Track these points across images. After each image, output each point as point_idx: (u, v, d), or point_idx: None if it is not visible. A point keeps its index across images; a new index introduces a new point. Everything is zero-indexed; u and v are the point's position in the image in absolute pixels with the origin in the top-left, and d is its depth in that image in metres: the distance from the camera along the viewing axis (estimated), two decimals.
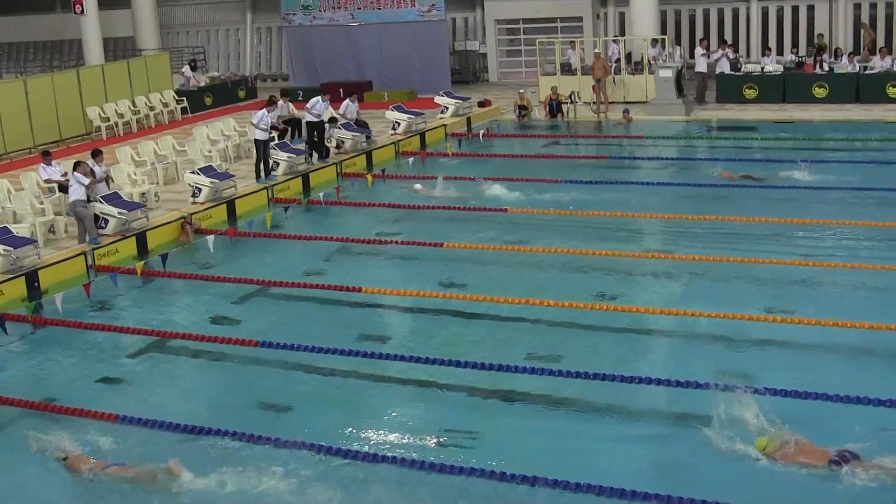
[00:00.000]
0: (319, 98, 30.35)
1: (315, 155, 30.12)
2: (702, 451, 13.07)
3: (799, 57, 38.04)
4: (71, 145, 35.03)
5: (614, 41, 39.68)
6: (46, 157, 25.41)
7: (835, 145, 30.41)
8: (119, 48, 51.26)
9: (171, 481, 13.04)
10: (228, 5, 51.49)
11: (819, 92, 35.44)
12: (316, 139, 30.15)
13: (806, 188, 25.05)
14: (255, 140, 28.11)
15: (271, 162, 28.34)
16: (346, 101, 32.51)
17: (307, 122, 30.45)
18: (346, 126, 31.55)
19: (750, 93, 36.33)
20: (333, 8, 43.75)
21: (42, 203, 24.71)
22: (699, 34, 42.63)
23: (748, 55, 41.65)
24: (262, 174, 27.91)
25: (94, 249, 22.46)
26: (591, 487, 12.09)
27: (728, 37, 41.81)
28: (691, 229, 22.99)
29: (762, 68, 36.94)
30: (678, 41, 39.79)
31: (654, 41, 38.12)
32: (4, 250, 21.04)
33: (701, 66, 37.06)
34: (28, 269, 21.32)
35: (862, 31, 39.70)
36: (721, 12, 43.08)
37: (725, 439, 13.05)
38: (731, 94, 36.65)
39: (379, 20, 42.91)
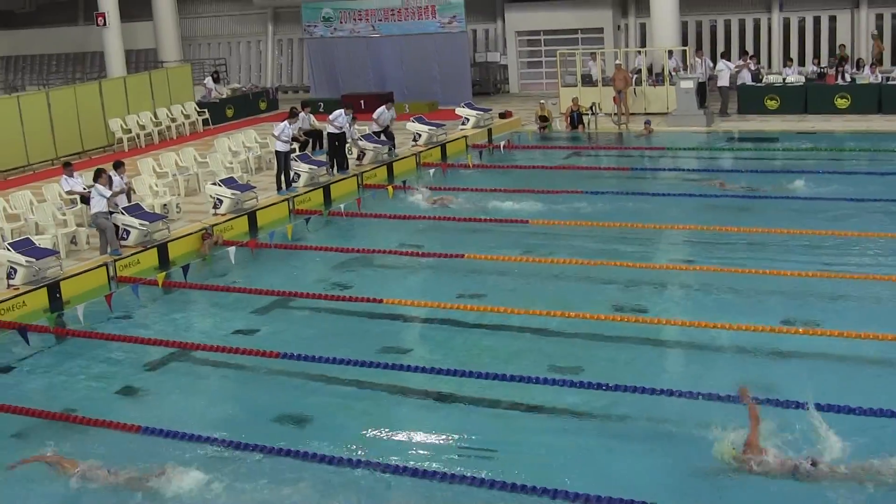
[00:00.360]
0: (342, 110, 30.39)
1: (336, 166, 30.15)
2: (723, 465, 12.98)
3: (821, 68, 37.90)
4: (93, 157, 35.15)
5: (638, 53, 39.50)
6: (68, 168, 25.49)
7: (857, 156, 30.26)
8: (141, 60, 51.46)
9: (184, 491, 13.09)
10: (250, 17, 51.64)
11: (841, 103, 35.32)
12: (337, 151, 30.18)
13: (827, 199, 24.90)
14: (276, 152, 28.16)
15: (292, 173, 28.39)
16: (382, 108, 32.53)
17: (329, 134, 30.49)
18: (368, 137, 31.58)
19: (772, 104, 36.24)
20: (354, 20, 43.83)
21: (64, 214, 24.81)
22: (720, 45, 42.56)
23: (770, 66, 41.57)
24: (284, 186, 27.96)
25: (115, 261, 22.52)
26: (612, 501, 12.02)
27: (749, 48, 41.70)
28: (712, 240, 22.89)
29: (784, 79, 36.82)
30: (699, 52, 39.63)
31: (671, 52, 38.06)
32: (27, 261, 21.13)
33: (723, 79, 36.93)
34: (50, 280, 21.40)
35: (872, 41, 39.55)
36: (742, 23, 43.02)
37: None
38: (752, 105, 36.57)
39: (400, 32, 42.96)
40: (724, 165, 30.75)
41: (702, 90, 35.89)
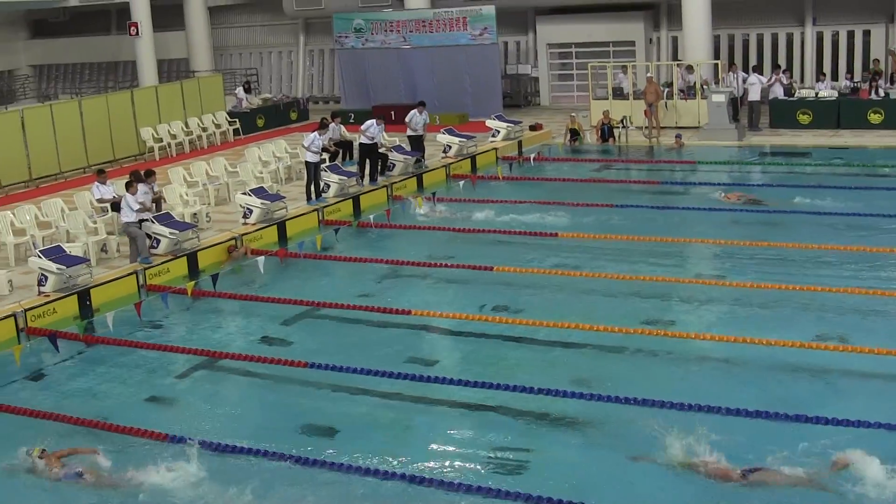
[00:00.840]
0: (374, 121, 30.44)
1: (367, 177, 30.19)
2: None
3: (854, 82, 37.73)
4: (124, 165, 35.28)
5: (687, 68, 39.07)
6: (101, 175, 25.56)
7: (890, 171, 30.06)
8: (173, 69, 51.74)
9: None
10: (282, 28, 51.81)
11: (874, 118, 35.11)
12: (368, 161, 30.23)
13: (860, 215, 24.74)
14: (306, 162, 28.21)
15: (322, 184, 28.43)
16: (413, 112, 32.53)
17: (360, 145, 30.52)
18: (398, 149, 31.59)
19: (804, 118, 36.05)
20: (386, 31, 43.87)
21: (95, 222, 24.91)
22: (753, 59, 42.37)
23: (802, 80, 41.36)
24: (313, 196, 28.00)
25: (145, 269, 22.59)
26: None
27: (782, 62, 41.53)
28: (742, 255, 22.80)
29: (816, 94, 36.64)
30: (733, 66, 39.47)
31: (690, 68, 37.92)
32: (58, 269, 21.21)
33: (754, 94, 36.76)
34: (81, 287, 21.49)
35: (890, 57, 39.28)
36: (775, 37, 42.83)
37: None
38: (784, 119, 36.38)
39: (431, 43, 42.96)
40: (754, 180, 30.60)
41: (734, 105, 35.74)
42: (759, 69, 39.49)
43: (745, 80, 37.74)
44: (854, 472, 12.73)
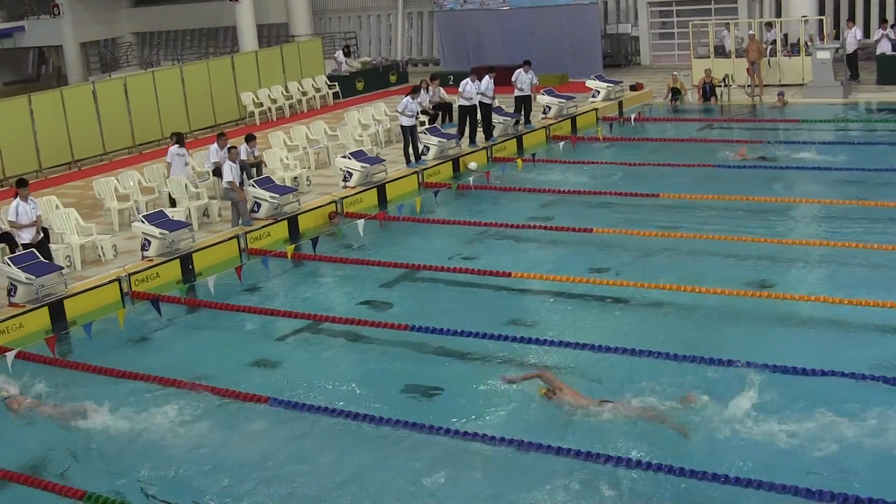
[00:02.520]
0: (468, 80, 30.28)
1: (468, 139, 30.09)
2: (858, 447, 12.68)
3: None
4: (225, 130, 35.51)
5: (767, 24, 38.45)
6: (222, 139, 25.41)
7: None
8: (273, 34, 51.96)
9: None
10: None
11: None
12: (468, 122, 30.12)
13: None
14: (402, 126, 28.19)
15: (421, 147, 28.40)
16: (519, 70, 32.15)
17: (459, 106, 30.41)
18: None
19: None
20: None
21: (197, 187, 25.12)
22: (859, 14, 41.40)
23: None
24: (412, 159, 27.98)
25: (246, 233, 22.75)
26: (764, 484, 11.75)
27: (890, 16, 40.48)
28: (848, 215, 22.30)
29: None
30: (849, 22, 38.56)
31: (769, 25, 37.15)
32: (161, 233, 21.48)
33: (851, 46, 35.96)
34: (183, 252, 21.72)
35: None
36: None
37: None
38: (892, 75, 35.51)
39: (530, 4, 42.70)
40: (858, 138, 29.98)
41: (852, 62, 34.94)
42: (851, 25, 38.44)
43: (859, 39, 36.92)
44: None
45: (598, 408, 13.87)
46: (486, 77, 30.40)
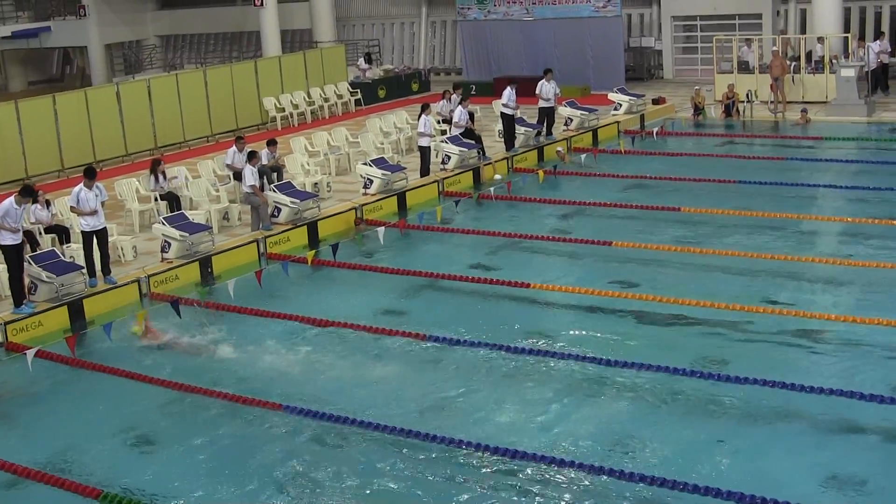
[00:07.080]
0: (543, 81, 31.29)
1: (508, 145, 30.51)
2: (875, 464, 12.64)
3: None
4: (247, 135, 35.61)
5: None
6: (240, 142, 25.65)
7: None
8: (296, 40, 52.10)
9: None
10: None
11: None
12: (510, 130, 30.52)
13: None
14: (419, 147, 28.19)
15: (442, 155, 28.46)
16: (542, 82, 31.83)
17: (501, 114, 30.62)
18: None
19: None
20: (508, 3, 43.71)
21: (217, 190, 25.20)
22: (887, 30, 41.18)
23: None
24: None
25: (266, 237, 22.79)
26: (765, 502, 11.70)
27: None
28: (867, 233, 22.24)
29: None
30: (862, 39, 38.47)
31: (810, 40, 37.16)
32: (181, 236, 21.56)
33: (874, 62, 35.90)
34: (202, 254, 21.78)
35: None
36: None
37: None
38: None
39: (554, 15, 42.71)
40: (882, 157, 29.88)
41: (877, 78, 34.86)
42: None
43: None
44: None
45: None
46: (508, 88, 30.42)
